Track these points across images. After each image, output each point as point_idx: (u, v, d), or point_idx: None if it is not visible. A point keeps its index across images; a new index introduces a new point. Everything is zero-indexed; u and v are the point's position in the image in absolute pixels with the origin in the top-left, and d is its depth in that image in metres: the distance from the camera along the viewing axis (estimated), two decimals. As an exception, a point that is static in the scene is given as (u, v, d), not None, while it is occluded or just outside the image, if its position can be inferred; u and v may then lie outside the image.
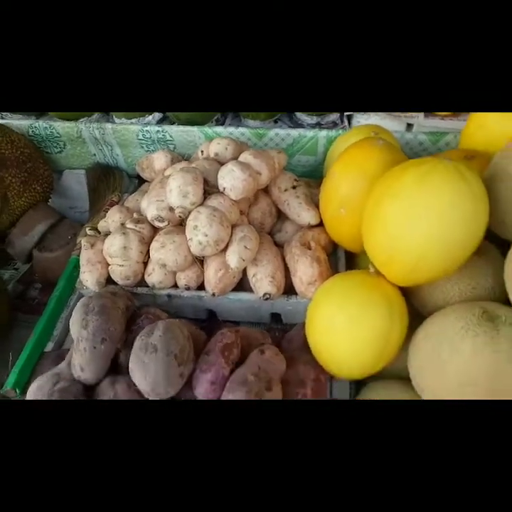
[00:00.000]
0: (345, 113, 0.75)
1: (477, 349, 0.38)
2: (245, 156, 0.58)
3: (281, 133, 0.74)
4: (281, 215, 0.65)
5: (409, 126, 0.70)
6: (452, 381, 0.39)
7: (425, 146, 0.69)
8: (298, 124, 0.83)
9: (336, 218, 0.55)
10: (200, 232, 0.53)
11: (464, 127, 0.60)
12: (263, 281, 0.55)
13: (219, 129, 0.76)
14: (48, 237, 0.74)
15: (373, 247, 0.46)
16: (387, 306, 0.45)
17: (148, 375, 0.41)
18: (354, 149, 0.52)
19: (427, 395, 0.43)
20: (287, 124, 0.85)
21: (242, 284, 0.59)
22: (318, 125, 0.81)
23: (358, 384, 0.54)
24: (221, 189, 0.56)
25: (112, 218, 0.62)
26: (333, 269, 0.59)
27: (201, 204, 0.55)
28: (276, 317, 0.61)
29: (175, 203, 0.54)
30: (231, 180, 0.55)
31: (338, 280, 0.48)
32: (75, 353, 0.44)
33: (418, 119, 0.69)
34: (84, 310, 0.46)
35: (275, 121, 0.86)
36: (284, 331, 0.60)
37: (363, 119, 0.71)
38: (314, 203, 0.61)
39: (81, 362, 0.43)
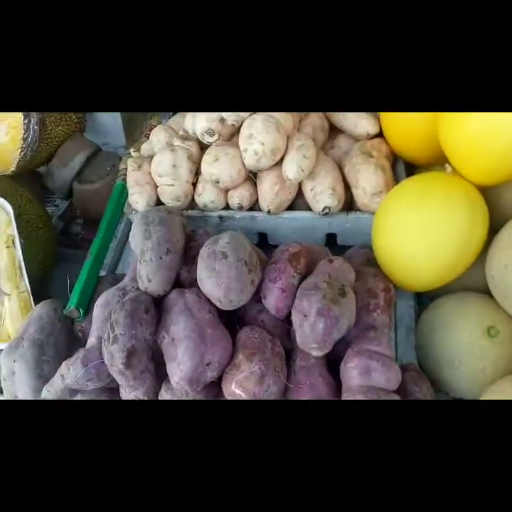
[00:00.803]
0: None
1: None
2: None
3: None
4: (332, 132, 0.61)
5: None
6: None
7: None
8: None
9: (401, 121, 0.50)
10: (257, 140, 0.49)
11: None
12: (323, 194, 0.51)
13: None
14: (87, 169, 0.72)
15: (453, 141, 0.42)
16: (469, 205, 0.41)
17: (220, 280, 0.39)
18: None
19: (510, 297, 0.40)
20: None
21: (294, 207, 0.56)
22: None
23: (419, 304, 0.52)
24: (275, 95, 0.51)
25: (157, 137, 0.59)
26: (396, 183, 0.55)
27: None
28: (331, 239, 0.59)
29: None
30: (286, 84, 0.50)
31: (411, 182, 0.45)
32: (140, 263, 0.42)
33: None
34: (145, 221, 0.44)
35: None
36: (340, 254, 0.58)
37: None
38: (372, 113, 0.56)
39: (148, 272, 0.41)
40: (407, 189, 0.44)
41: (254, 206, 0.56)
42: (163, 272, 0.41)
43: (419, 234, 0.42)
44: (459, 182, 0.42)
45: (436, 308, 0.47)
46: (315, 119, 0.59)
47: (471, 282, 0.46)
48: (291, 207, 0.56)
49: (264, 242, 0.60)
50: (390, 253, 0.45)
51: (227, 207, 0.56)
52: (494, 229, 0.44)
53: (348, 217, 0.54)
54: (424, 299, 0.52)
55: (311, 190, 0.52)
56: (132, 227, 0.46)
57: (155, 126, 0.69)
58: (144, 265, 0.41)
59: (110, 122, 0.82)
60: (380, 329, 0.41)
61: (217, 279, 0.39)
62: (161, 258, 0.41)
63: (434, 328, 0.46)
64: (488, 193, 0.44)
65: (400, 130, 0.52)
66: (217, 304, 0.40)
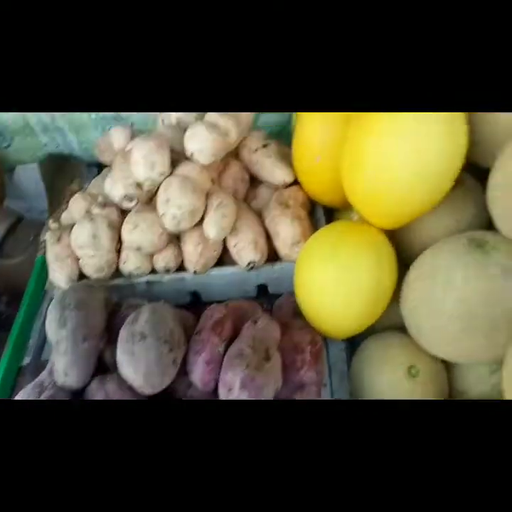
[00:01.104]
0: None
1: (470, 278, 0.36)
2: (211, 116, 0.54)
3: (241, 94, 0.70)
4: (253, 181, 0.62)
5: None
6: (449, 316, 0.38)
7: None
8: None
9: (312, 170, 0.52)
10: (174, 204, 0.49)
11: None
12: (246, 249, 0.52)
13: (176, 98, 0.71)
14: (8, 242, 0.68)
15: (355, 191, 0.44)
16: (376, 253, 0.43)
17: (139, 365, 0.38)
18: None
19: (423, 336, 0.42)
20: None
21: (222, 261, 0.56)
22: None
23: (352, 345, 0.53)
24: (189, 154, 0.52)
25: (76, 206, 0.58)
26: (315, 229, 0.56)
27: (170, 174, 0.52)
28: (262, 289, 0.59)
29: (142, 176, 0.50)
30: (199, 141, 0.51)
31: (322, 234, 0.46)
32: (55, 356, 0.40)
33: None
34: (61, 305, 0.42)
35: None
36: (272, 302, 0.58)
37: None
38: (288, 161, 0.58)
39: (64, 365, 0.39)
40: (319, 240, 0.46)
41: (183, 265, 0.56)
42: (81, 364, 0.39)
43: (333, 284, 0.43)
44: (366, 230, 0.44)
45: (363, 351, 0.48)
46: (235, 171, 0.60)
47: (397, 320, 0.48)
48: (220, 260, 0.56)
49: (198, 300, 0.59)
50: (311, 303, 0.46)
51: (154, 271, 0.55)
52: (407, 266, 0.46)
53: (274, 268, 0.55)
54: (357, 339, 0.53)
55: (234, 246, 0.53)
56: (47, 313, 0.44)
57: (76, 191, 0.67)
58: (60, 358, 0.39)
59: (32, 185, 0.80)
60: (308, 387, 0.41)
61: (136, 364, 0.38)
62: (77, 347, 0.39)
63: (362, 370, 0.47)
64: (397, 232, 0.47)
65: (309, 178, 0.54)
66: (140, 390, 0.39)
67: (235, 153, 0.61)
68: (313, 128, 0.49)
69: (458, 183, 0.47)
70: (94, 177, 0.75)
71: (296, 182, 0.57)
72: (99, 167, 0.76)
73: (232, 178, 0.59)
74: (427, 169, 0.38)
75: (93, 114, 0.72)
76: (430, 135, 0.37)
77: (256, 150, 0.58)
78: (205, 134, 0.50)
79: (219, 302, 0.59)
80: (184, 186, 0.49)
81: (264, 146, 0.59)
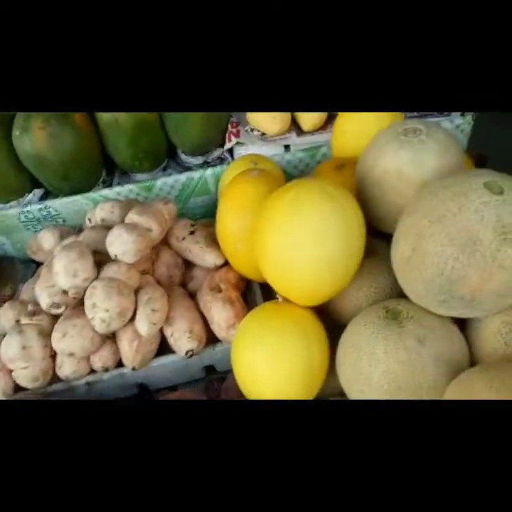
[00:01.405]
0: (227, 148, 0.76)
1: (390, 351, 0.38)
2: (131, 216, 0.56)
3: (168, 181, 0.73)
4: (189, 263, 0.64)
5: (287, 147, 0.73)
6: (377, 388, 0.39)
7: (306, 162, 0.72)
8: (186, 167, 0.83)
9: (235, 254, 0.54)
10: (100, 308, 0.49)
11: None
12: (182, 338, 0.52)
13: (105, 191, 0.74)
14: None
15: (270, 278, 0.46)
16: (304, 334, 0.44)
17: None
18: (232, 185, 0.52)
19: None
20: (176, 169, 0.85)
21: (166, 347, 0.56)
22: (206, 164, 0.82)
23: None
24: (113, 257, 0.53)
25: (5, 317, 0.56)
26: (252, 304, 0.58)
27: (96, 277, 0.52)
28: (210, 368, 0.59)
29: (65, 285, 0.50)
30: (120, 245, 0.52)
31: (251, 317, 0.47)
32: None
33: (291, 139, 0.72)
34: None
35: (164, 169, 0.85)
36: (222, 379, 0.58)
37: (243, 150, 0.72)
38: (216, 243, 0.60)
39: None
40: (248, 326, 0.47)
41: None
42: None
43: (266, 370, 0.43)
44: (292, 311, 0.46)
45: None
46: (167, 258, 0.61)
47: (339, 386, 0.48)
48: (164, 345, 0.55)
49: (146, 389, 0.58)
50: (251, 391, 0.46)
51: (93, 370, 0.54)
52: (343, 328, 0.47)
53: (216, 350, 0.55)
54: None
55: (171, 336, 0.53)
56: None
57: (9, 297, 0.66)
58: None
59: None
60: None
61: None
62: None
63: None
64: (326, 302, 0.48)
65: (235, 261, 0.56)
66: None
67: (166, 240, 0.62)
68: (231, 216, 0.52)
69: (371, 251, 0.50)
70: (32, 273, 0.75)
71: (227, 262, 0.59)
72: (37, 263, 0.76)
73: (166, 265, 0.61)
74: (331, 257, 0.40)
75: (22, 216, 0.73)
76: (327, 225, 0.40)
77: (183, 238, 0.60)
78: (125, 237, 0.51)
79: (167, 389, 0.58)
80: (109, 289, 0.49)
81: (191, 232, 0.61)
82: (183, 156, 0.82)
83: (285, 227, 0.41)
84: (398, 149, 0.43)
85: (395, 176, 0.43)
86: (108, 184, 0.84)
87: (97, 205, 0.65)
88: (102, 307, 0.49)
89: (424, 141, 0.42)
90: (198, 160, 0.81)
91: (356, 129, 0.59)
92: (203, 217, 0.77)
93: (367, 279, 0.47)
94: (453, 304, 0.36)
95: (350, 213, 0.41)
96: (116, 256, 0.52)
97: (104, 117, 0.71)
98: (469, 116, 0.70)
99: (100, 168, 0.80)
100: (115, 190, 0.74)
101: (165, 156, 0.82)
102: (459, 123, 0.70)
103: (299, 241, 0.40)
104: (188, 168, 0.82)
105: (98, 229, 0.59)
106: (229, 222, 0.52)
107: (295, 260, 0.41)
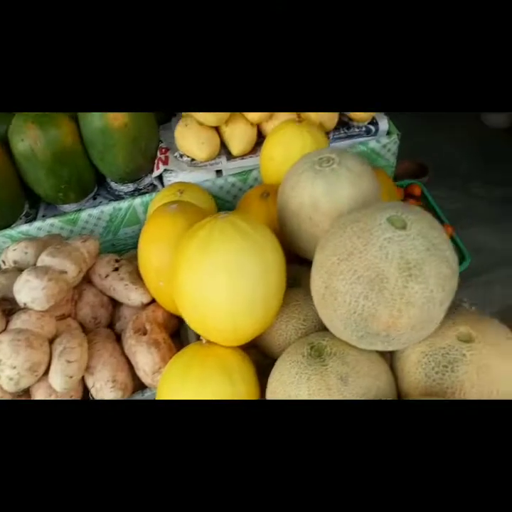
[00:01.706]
0: (155, 175, 0.73)
1: (313, 393, 0.36)
2: (42, 258, 0.51)
3: (94, 213, 0.69)
4: (117, 303, 0.60)
5: (219, 172, 0.71)
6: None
7: (238, 186, 0.70)
8: (117, 196, 0.79)
9: (158, 292, 0.51)
10: (7, 365, 0.44)
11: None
12: (104, 389, 0.48)
13: (24, 227, 0.68)
14: None
15: (189, 320, 0.43)
16: (226, 374, 0.42)
17: None
18: (151, 220, 0.50)
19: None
20: (107, 197, 0.80)
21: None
22: (137, 191, 0.78)
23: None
24: (21, 305, 0.48)
25: None
26: (185, 342, 0.55)
27: (3, 330, 0.47)
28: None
29: (-34, 343, 0.45)
30: (29, 292, 0.48)
31: (174, 362, 0.44)
32: None
33: (222, 163, 0.70)
34: None
35: (94, 198, 0.81)
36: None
37: (173, 177, 0.70)
38: (142, 280, 0.57)
39: None
40: (170, 372, 0.44)
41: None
42: None
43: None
44: (214, 352, 0.43)
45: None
46: (91, 298, 0.57)
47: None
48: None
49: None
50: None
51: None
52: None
53: (144, 396, 0.51)
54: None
55: (93, 387, 0.49)
56: None
57: None
58: None
59: None
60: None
61: None
62: None
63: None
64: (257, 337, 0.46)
65: (160, 298, 0.53)
66: None
67: (89, 279, 0.58)
68: (151, 253, 0.49)
69: (299, 282, 0.49)
70: None
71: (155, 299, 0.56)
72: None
73: (90, 306, 0.57)
74: (248, 294, 0.38)
75: None
76: (240, 264, 0.38)
77: (107, 276, 0.56)
78: (35, 283, 0.47)
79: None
80: (16, 343, 0.45)
81: (116, 269, 0.57)
82: (113, 184, 0.78)
83: (199, 267, 0.39)
84: (312, 180, 0.42)
85: (311, 207, 0.42)
86: (32, 217, 0.78)
87: (15, 242, 0.60)
88: (9, 364, 0.44)
89: (337, 170, 0.42)
90: (129, 187, 0.77)
91: (282, 156, 0.58)
92: (135, 247, 0.73)
93: (294, 312, 0.46)
94: (370, 339, 0.35)
95: (267, 251, 0.39)
96: (25, 304, 0.48)
97: (19, 147, 0.66)
98: (395, 136, 0.72)
99: (21, 201, 0.74)
100: (35, 226, 0.69)
101: (93, 185, 0.78)
102: (386, 142, 0.71)
103: (214, 282, 0.38)
104: (119, 196, 0.78)
105: (10, 273, 0.54)
106: (149, 259, 0.49)
107: (211, 302, 0.39)
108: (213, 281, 0.38)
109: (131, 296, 0.55)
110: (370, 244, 0.32)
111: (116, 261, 0.58)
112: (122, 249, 0.75)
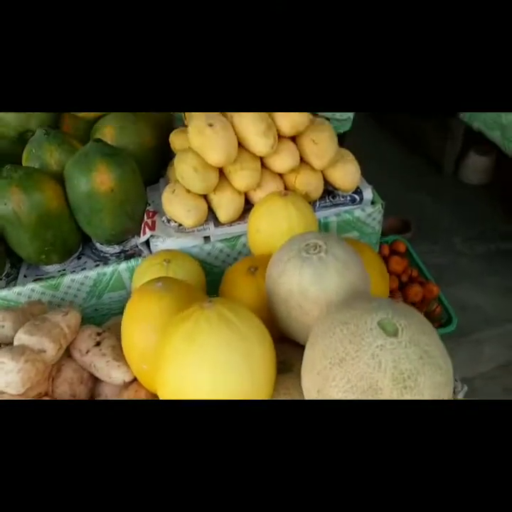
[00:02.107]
0: (141, 241, 0.72)
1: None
2: (19, 337, 0.49)
3: (77, 278, 0.67)
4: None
5: (206, 238, 0.71)
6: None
7: (226, 252, 0.70)
8: (101, 256, 0.77)
9: (142, 374, 0.49)
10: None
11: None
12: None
13: (3, 292, 0.66)
14: None
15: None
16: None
17: None
18: (136, 299, 0.48)
19: None
20: (91, 257, 0.79)
21: None
22: (123, 252, 0.77)
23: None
24: (-5, 390, 0.45)
25: None
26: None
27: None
28: None
29: None
30: (4, 376, 0.45)
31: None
32: None
33: (210, 230, 0.70)
34: None
35: (78, 258, 0.80)
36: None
37: (160, 242, 0.69)
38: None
39: None
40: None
41: None
42: None
43: None
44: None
45: None
46: (70, 374, 0.54)
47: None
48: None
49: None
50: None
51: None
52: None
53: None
54: None
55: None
56: None
57: None
58: None
59: None
60: None
61: None
62: None
63: None
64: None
65: (143, 379, 0.51)
66: None
67: (69, 352, 0.56)
68: (135, 334, 0.47)
69: (290, 367, 0.47)
70: None
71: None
72: None
73: (68, 383, 0.53)
74: (230, 389, 0.37)
75: None
76: (226, 356, 0.36)
77: (87, 351, 0.54)
78: (10, 365, 0.45)
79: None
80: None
81: (97, 343, 0.55)
82: (98, 245, 0.77)
83: (183, 360, 0.37)
84: (300, 268, 0.42)
85: (300, 295, 0.41)
86: (13, 277, 0.76)
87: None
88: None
89: (324, 259, 0.42)
90: (115, 249, 0.76)
91: (268, 228, 0.58)
92: (120, 312, 0.71)
93: (288, 396, 0.44)
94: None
95: (254, 343, 0.38)
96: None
97: (2, 211, 0.65)
98: (379, 205, 0.73)
99: (2, 261, 0.72)
100: (15, 291, 0.67)
101: (77, 246, 0.77)
102: (371, 211, 0.73)
103: (198, 376, 0.37)
104: (104, 258, 0.77)
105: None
106: (133, 339, 0.48)
107: (193, 396, 0.37)
108: (198, 374, 0.37)
109: (113, 374, 0.53)
110: (362, 350, 0.31)
111: (98, 334, 0.56)
112: (106, 314, 0.73)
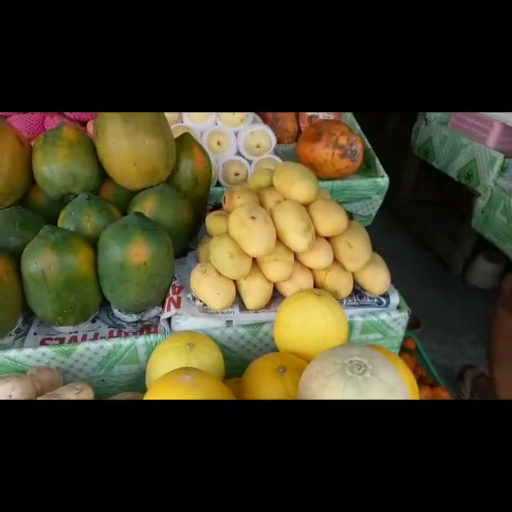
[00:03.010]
0: (164, 317, 0.71)
1: None
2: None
3: (92, 347, 0.65)
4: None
5: (229, 322, 0.69)
6: None
7: (247, 338, 0.69)
8: (117, 324, 0.76)
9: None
10: None
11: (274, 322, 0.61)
12: None
13: (12, 352, 0.63)
14: None
15: None
16: None
17: None
18: (159, 390, 0.46)
19: None
20: (106, 322, 0.77)
21: None
22: (140, 322, 0.75)
23: None
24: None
25: None
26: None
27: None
28: None
29: None
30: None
31: None
32: None
33: (234, 314, 0.69)
34: None
35: (93, 321, 0.78)
36: None
37: (182, 320, 0.68)
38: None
39: None
40: None
41: None
42: None
43: None
44: None
45: None
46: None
47: None
48: None
49: None
50: None
51: None
52: None
53: None
54: None
55: None
56: None
57: None
58: None
59: None
60: None
61: None
62: None
63: None
64: None
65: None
66: None
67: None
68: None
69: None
70: None
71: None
72: None
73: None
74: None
75: None
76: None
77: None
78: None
79: None
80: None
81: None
82: (116, 311, 0.76)
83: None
84: (343, 386, 0.40)
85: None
86: (23, 333, 0.73)
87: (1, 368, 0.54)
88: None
89: (369, 380, 0.40)
90: (132, 318, 0.75)
91: (299, 325, 0.57)
92: (127, 387, 0.68)
93: None
94: None
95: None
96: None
97: (31, 269, 0.65)
98: (405, 312, 0.73)
99: (15, 318, 0.70)
100: (25, 353, 0.64)
101: (95, 310, 0.75)
102: (396, 317, 0.72)
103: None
104: (119, 325, 0.75)
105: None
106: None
107: None
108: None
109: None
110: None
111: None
112: (112, 386, 0.69)
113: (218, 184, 1.09)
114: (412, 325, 1.57)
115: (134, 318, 0.75)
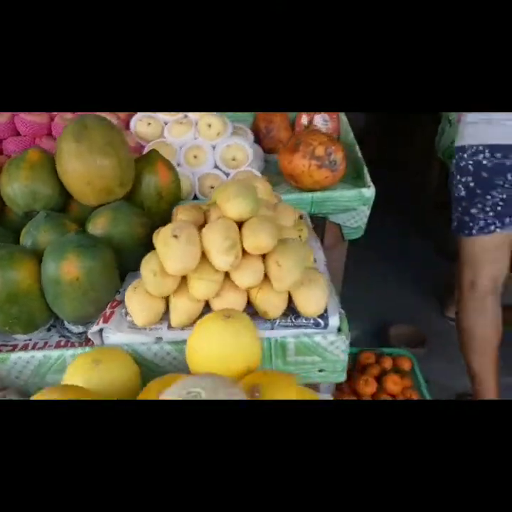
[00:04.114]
0: (94, 331, 0.73)
1: None
2: None
3: (24, 356, 0.69)
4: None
5: (159, 338, 0.70)
6: None
7: (173, 355, 0.69)
8: (65, 334, 0.79)
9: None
10: None
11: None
12: None
13: (-44, 359, 0.69)
14: None
15: None
16: None
17: None
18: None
19: None
20: (60, 331, 0.81)
21: None
22: (85, 333, 0.78)
23: None
24: None
25: None
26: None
27: None
28: None
29: None
30: None
31: None
32: None
33: (162, 331, 0.70)
34: None
35: (48, 330, 0.82)
36: None
37: (111, 334, 0.70)
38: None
39: None
40: None
41: None
42: None
43: None
44: None
45: None
46: None
47: None
48: None
49: None
50: None
51: None
52: None
53: None
54: None
55: None
56: None
57: None
58: None
59: None
60: None
61: None
62: None
63: None
64: None
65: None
66: None
67: None
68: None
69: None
70: None
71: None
72: None
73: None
74: None
75: None
76: None
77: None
78: None
79: None
80: None
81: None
82: (65, 322, 0.80)
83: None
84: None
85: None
86: (-16, 339, 0.80)
87: None
88: None
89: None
90: (78, 329, 0.78)
91: (205, 348, 0.57)
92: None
93: None
94: None
95: None
96: None
97: (-24, 282, 0.70)
98: (343, 335, 0.69)
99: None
100: (-34, 359, 0.69)
101: (46, 321, 0.79)
102: (333, 340, 0.68)
103: None
104: (67, 336, 0.79)
105: None
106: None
107: None
108: None
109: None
110: None
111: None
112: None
113: (195, 197, 1.11)
114: (416, 344, 1.47)
115: (80, 329, 0.78)
